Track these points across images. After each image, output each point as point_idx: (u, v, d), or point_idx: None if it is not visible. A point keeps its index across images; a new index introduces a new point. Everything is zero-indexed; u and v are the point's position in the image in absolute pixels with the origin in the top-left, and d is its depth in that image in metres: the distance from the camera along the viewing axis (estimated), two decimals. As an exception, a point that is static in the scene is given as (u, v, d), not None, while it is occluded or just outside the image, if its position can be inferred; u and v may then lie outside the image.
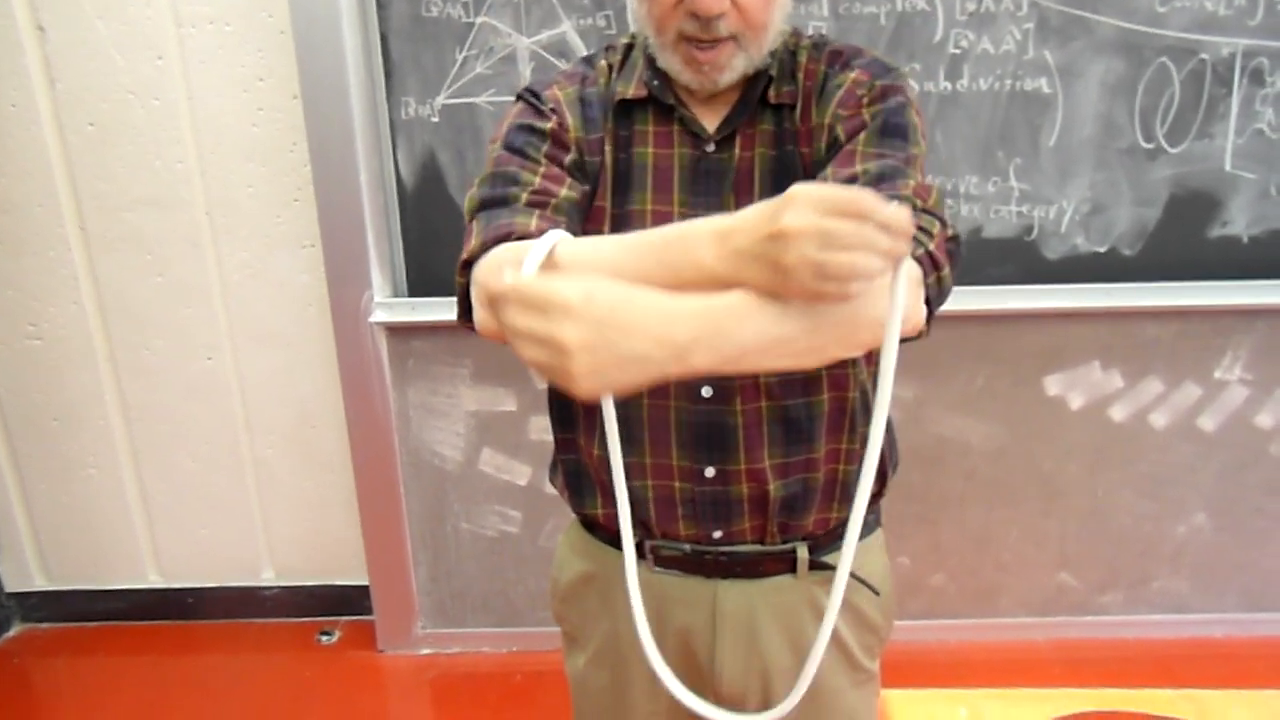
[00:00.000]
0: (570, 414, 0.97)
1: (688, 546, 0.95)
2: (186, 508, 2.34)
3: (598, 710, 1.10)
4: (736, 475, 0.91)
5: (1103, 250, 1.94)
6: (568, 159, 0.88)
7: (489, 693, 2.14)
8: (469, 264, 0.83)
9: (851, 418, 0.93)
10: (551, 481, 1.06)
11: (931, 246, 0.78)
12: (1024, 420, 2.06)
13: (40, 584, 2.44)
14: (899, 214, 0.61)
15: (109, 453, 2.29)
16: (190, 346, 2.19)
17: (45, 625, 2.45)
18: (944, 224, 0.81)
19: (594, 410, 0.93)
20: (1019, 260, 1.95)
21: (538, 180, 0.86)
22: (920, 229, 0.76)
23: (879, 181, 0.79)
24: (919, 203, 0.79)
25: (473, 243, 0.83)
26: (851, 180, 0.79)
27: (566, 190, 0.86)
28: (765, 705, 1.02)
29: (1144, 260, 1.94)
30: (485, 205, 0.86)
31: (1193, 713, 1.99)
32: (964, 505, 2.13)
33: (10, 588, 2.44)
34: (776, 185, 0.84)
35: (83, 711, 2.18)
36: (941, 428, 2.07)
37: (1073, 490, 2.12)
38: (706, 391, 0.89)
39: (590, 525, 1.04)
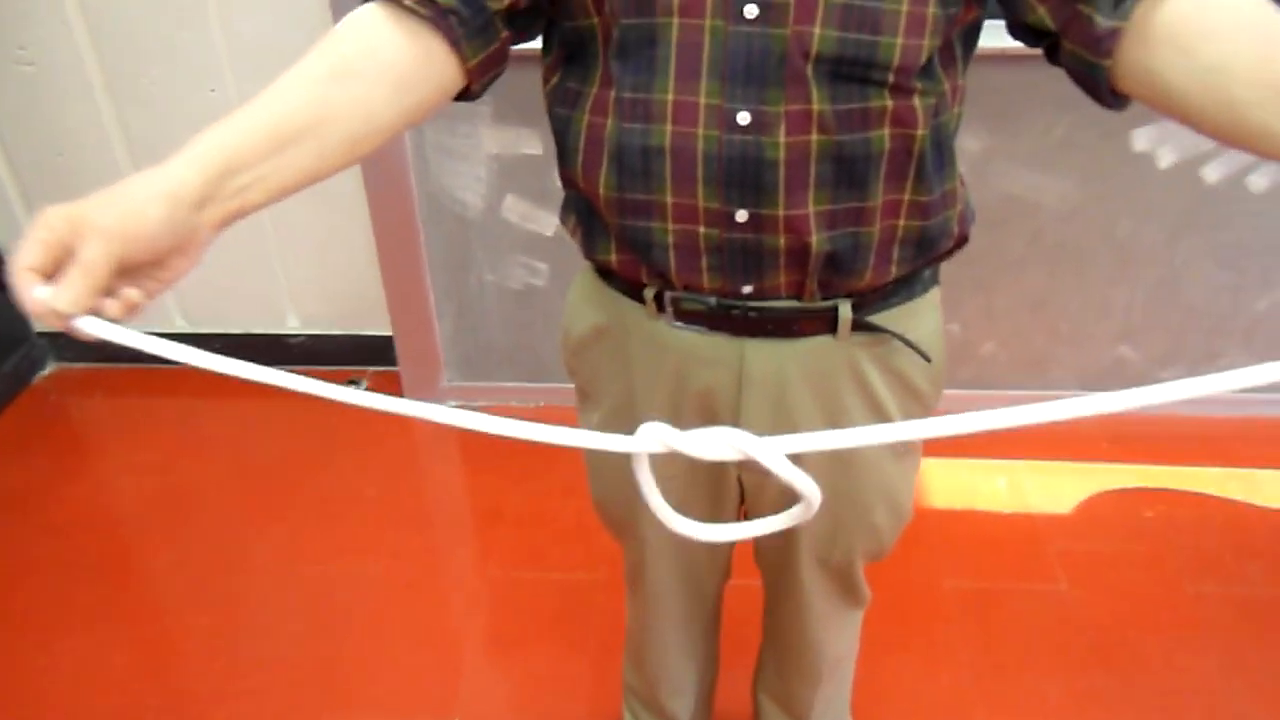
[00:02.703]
0: (566, 143, 0.81)
1: (713, 300, 0.82)
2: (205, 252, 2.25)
3: (611, 471, 1.02)
4: (772, 222, 0.75)
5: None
6: None
7: (516, 447, 2.11)
8: None
9: (919, 163, 0.76)
10: (563, 221, 0.92)
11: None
12: (1104, 178, 1.85)
13: (67, 324, 2.41)
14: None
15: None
16: (191, 76, 2.02)
17: (77, 365, 2.45)
18: None
19: (597, 135, 0.77)
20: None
21: None
22: None
23: None
24: None
25: None
26: None
27: None
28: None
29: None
30: None
31: (1243, 492, 1.91)
32: (1024, 269, 1.96)
33: (40, 327, 2.42)
34: None
35: (120, 447, 2.21)
36: (1010, 184, 1.87)
37: (1147, 257, 1.93)
38: (743, 117, 0.72)
39: (603, 273, 0.91)
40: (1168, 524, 1.84)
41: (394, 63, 0.71)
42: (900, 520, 1.02)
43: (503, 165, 1.93)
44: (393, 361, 2.26)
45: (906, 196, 0.77)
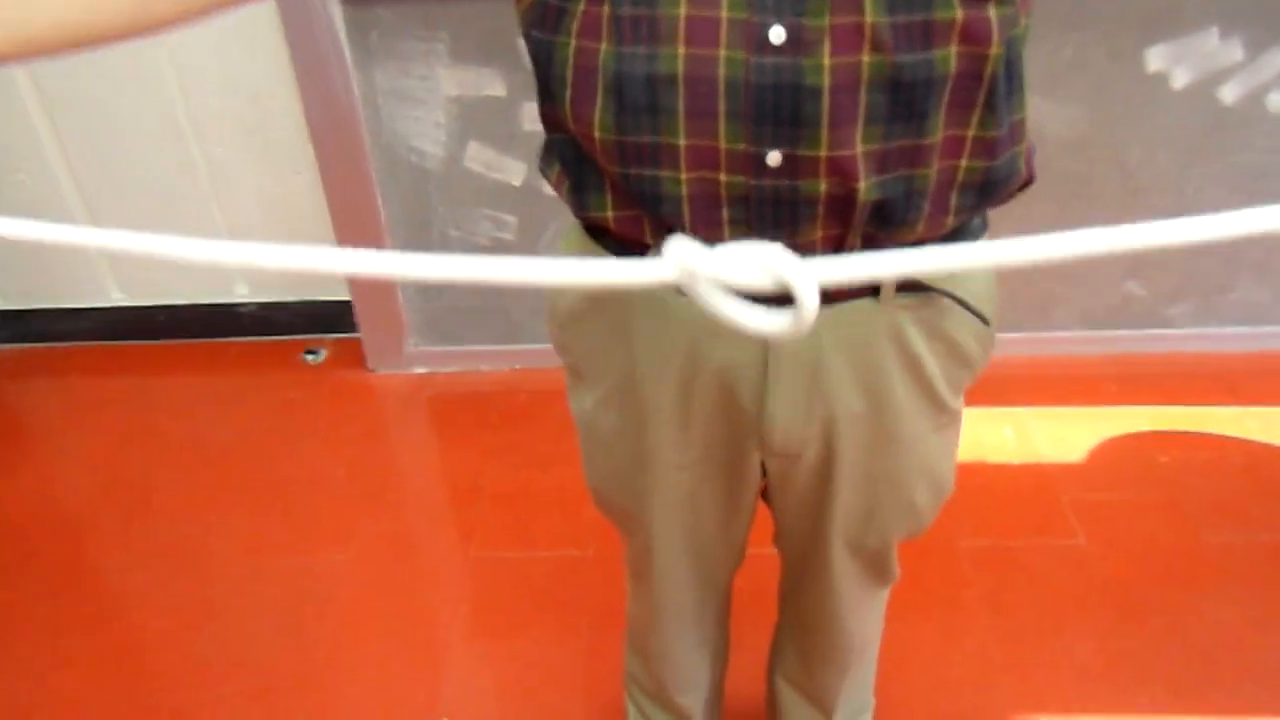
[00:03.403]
0: (550, 74, 0.65)
1: None
2: (137, 215, 2.07)
3: (611, 459, 0.88)
4: (812, 165, 0.61)
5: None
6: None
7: (490, 413, 1.98)
8: None
9: (990, 91, 0.61)
10: (544, 173, 0.77)
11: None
12: (1114, 102, 1.72)
13: (-4, 303, 2.22)
14: None
15: (37, 154, 1.98)
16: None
17: (11, 345, 2.27)
18: None
19: (589, 63, 0.62)
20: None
21: None
22: None
23: None
24: None
25: None
26: None
27: None
28: (828, 458, 0.80)
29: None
30: None
31: (1259, 430, 1.82)
32: (1029, 203, 1.82)
33: (-34, 306, 2.23)
34: None
35: (63, 434, 2.04)
36: (1013, 113, 1.73)
37: (1158, 185, 1.81)
38: (777, 34, 0.57)
39: (596, 231, 0.76)
40: (1184, 469, 1.75)
41: None
42: (941, 496, 0.91)
43: (463, 109, 1.76)
44: (353, 328, 2.10)
45: (971, 132, 0.63)
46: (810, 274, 0.39)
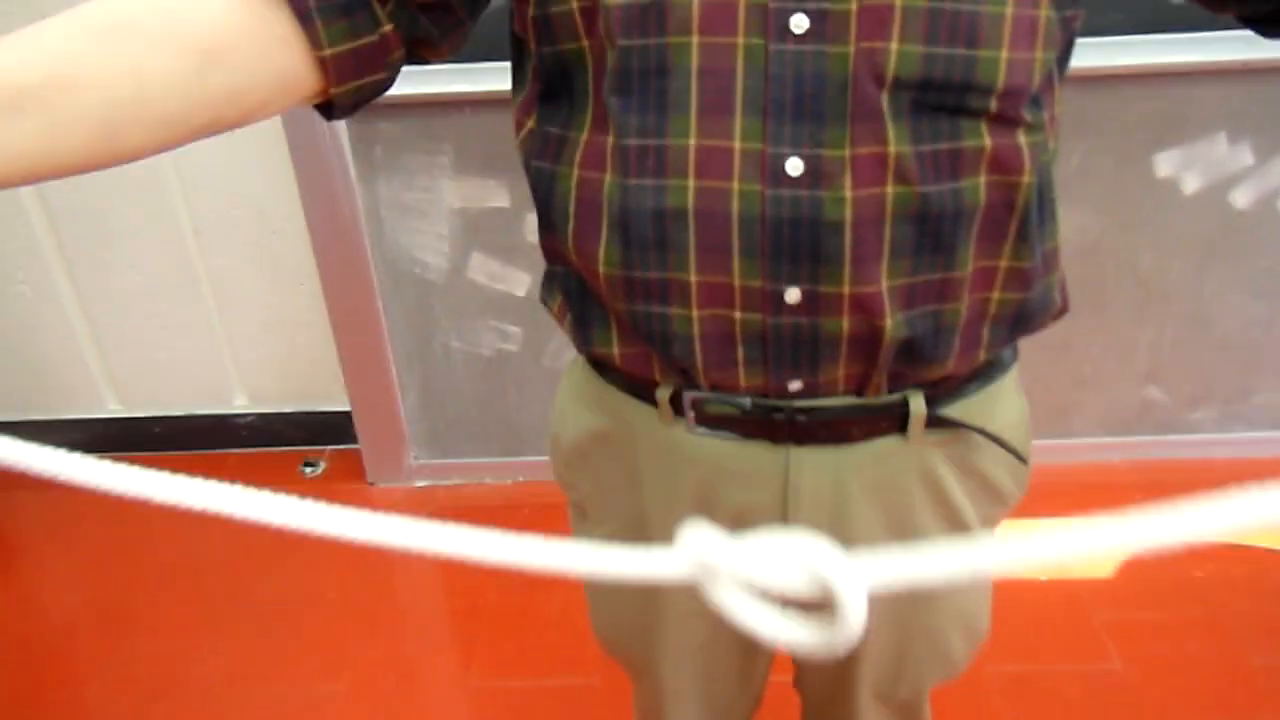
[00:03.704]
0: (551, 206, 0.62)
1: (748, 401, 0.63)
2: (138, 326, 2.04)
3: (619, 605, 0.82)
4: (834, 302, 0.56)
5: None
6: None
7: (492, 528, 1.91)
8: None
9: (1022, 219, 0.58)
10: (545, 304, 0.73)
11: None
12: (1125, 208, 1.70)
13: (-13, 415, 2.18)
14: None
15: (39, 265, 1.96)
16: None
17: None
18: None
19: (593, 195, 0.58)
20: (1130, 3, 1.52)
21: None
22: None
23: None
24: None
25: None
26: None
27: None
28: (854, 608, 0.74)
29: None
30: None
31: (1295, 543, 1.75)
32: (1043, 311, 1.79)
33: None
34: None
35: (43, 551, 1.97)
36: (1023, 219, 1.71)
37: (1174, 292, 1.78)
38: (795, 166, 0.53)
39: (601, 365, 0.72)
40: (1221, 584, 1.67)
41: (202, 26, 0.51)
42: (976, 640, 0.84)
43: (466, 221, 1.74)
44: (353, 439, 2.04)
45: (1004, 262, 0.59)
46: (858, 576, 0.34)
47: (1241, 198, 1.68)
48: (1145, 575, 1.70)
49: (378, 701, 1.55)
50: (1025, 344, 2.04)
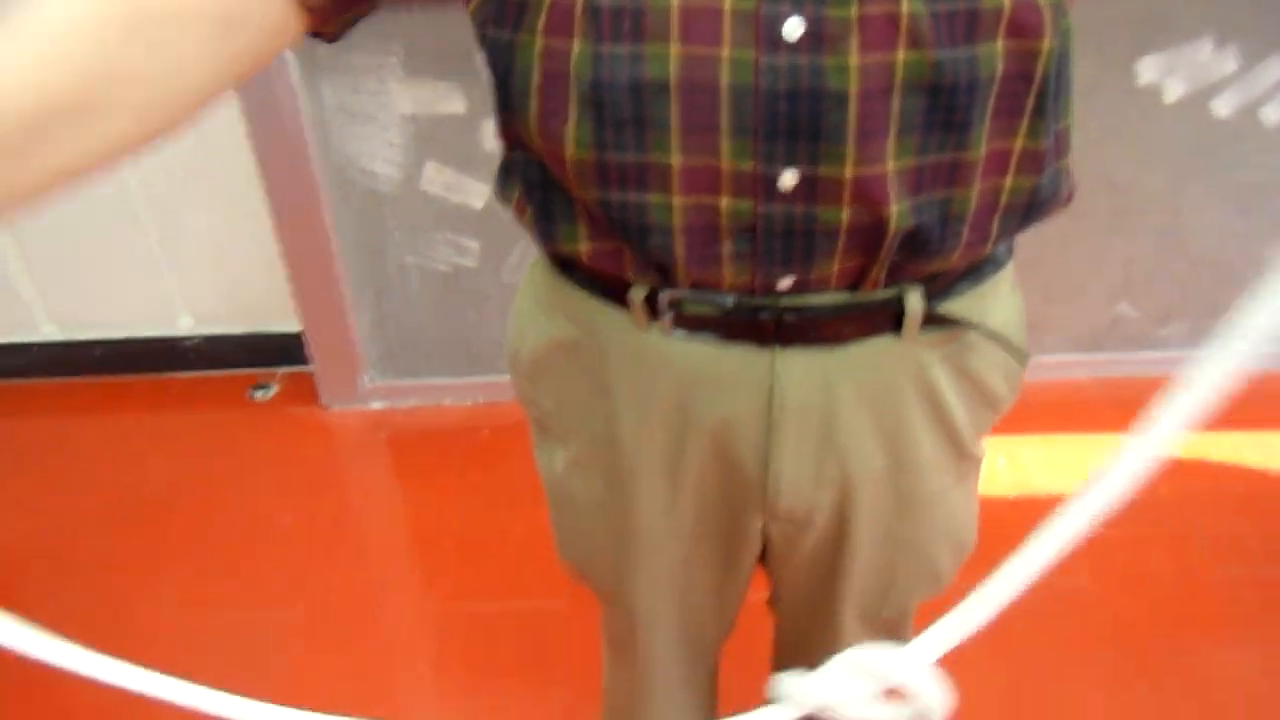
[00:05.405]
0: (511, 82, 0.54)
1: (730, 300, 0.57)
2: (70, 246, 1.92)
3: (589, 531, 0.77)
4: (834, 187, 0.50)
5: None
6: None
7: (452, 450, 1.86)
8: None
9: (1040, 93, 0.52)
10: (501, 198, 0.65)
11: None
12: (1104, 116, 1.64)
13: (-88, 338, 2.06)
14: None
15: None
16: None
17: (-70, 384, 2.10)
18: None
19: (559, 67, 0.51)
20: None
21: None
22: None
23: None
24: None
25: None
26: None
27: None
28: (842, 524, 0.69)
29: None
30: None
31: (1261, 459, 1.75)
32: (1017, 225, 1.75)
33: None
34: None
35: (-16, 480, 1.88)
36: (1001, 128, 1.65)
37: (1150, 204, 1.74)
38: (793, 28, 0.46)
39: (566, 266, 0.65)
40: (1185, 501, 1.67)
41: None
42: (963, 554, 0.81)
43: (419, 128, 1.64)
44: (304, 361, 1.96)
45: (1019, 143, 0.53)
46: (917, 666, 0.41)
47: (1223, 106, 1.63)
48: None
49: (335, 628, 1.51)
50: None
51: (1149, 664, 1.40)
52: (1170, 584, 1.52)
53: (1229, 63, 1.59)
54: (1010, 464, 1.75)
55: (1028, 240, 1.93)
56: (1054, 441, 1.80)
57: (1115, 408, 1.87)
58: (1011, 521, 1.64)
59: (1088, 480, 0.36)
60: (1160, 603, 1.49)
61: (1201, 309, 1.87)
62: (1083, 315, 1.88)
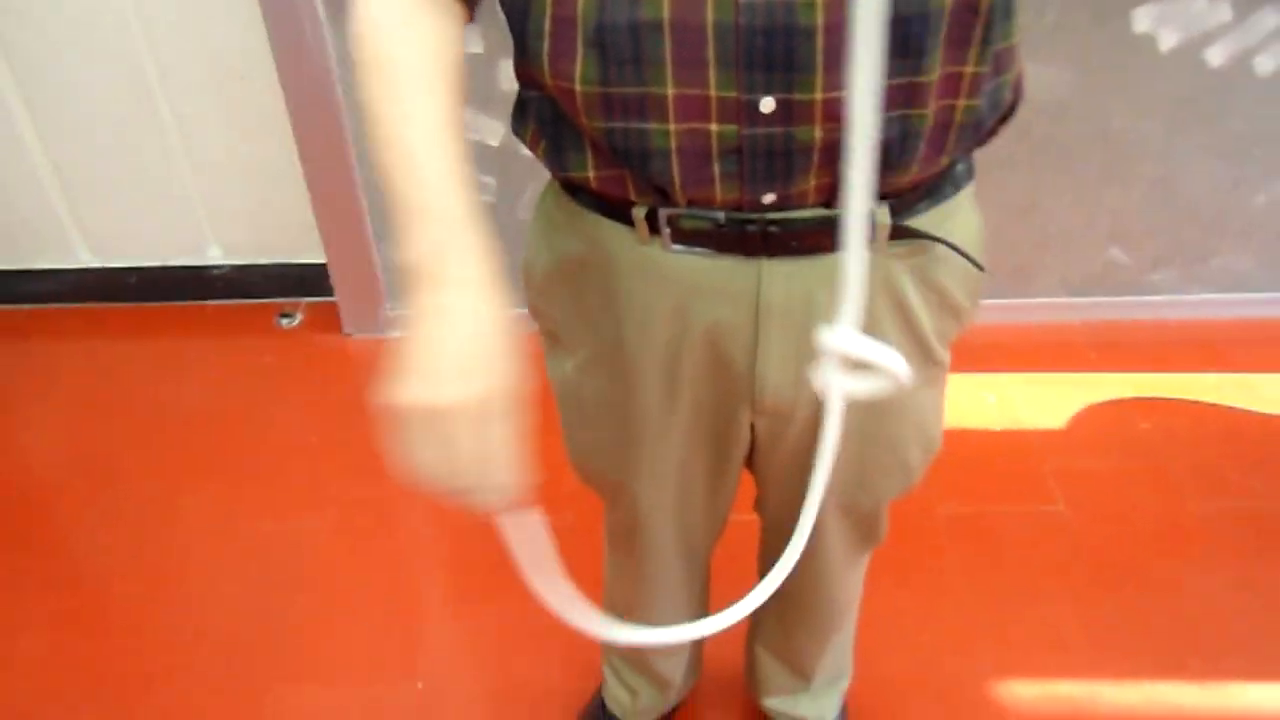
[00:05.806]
0: (526, 27, 0.63)
1: (721, 215, 0.66)
2: (106, 176, 2.01)
3: (596, 427, 0.86)
4: (807, 109, 0.59)
5: None
6: None
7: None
8: None
9: (987, 21, 0.60)
10: (517, 133, 0.74)
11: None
12: (1099, 66, 1.70)
13: (-42, 263, 2.16)
14: None
15: (2, 113, 1.92)
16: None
17: (-28, 308, 2.21)
18: None
19: (568, 12, 0.59)
20: None
21: None
22: None
23: None
24: None
25: None
26: None
27: None
28: (819, 418, 0.78)
29: None
30: None
31: (1240, 398, 1.83)
32: (1010, 169, 1.81)
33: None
34: None
35: (27, 395, 1.99)
36: (1000, 75, 1.70)
37: (1142, 152, 1.80)
38: None
39: (574, 190, 0.73)
40: (1165, 436, 1.76)
41: (452, 51, 0.65)
42: (931, 452, 0.90)
43: (439, 67, 1.71)
44: (328, 292, 2.06)
45: (969, 68, 0.61)
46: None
47: (1217, 56, 1.68)
48: (1094, 427, 1.78)
49: (358, 538, 1.62)
50: (991, 204, 2.08)
51: (1120, 584, 1.50)
52: (1146, 513, 1.61)
53: (1223, 12, 1.64)
54: (1000, 401, 1.84)
55: (1024, 185, 2.01)
56: (1042, 380, 1.88)
57: (1103, 350, 1.95)
58: (1001, 453, 1.74)
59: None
60: (1135, 530, 1.58)
61: (1191, 255, 1.93)
62: (1074, 260, 1.95)
